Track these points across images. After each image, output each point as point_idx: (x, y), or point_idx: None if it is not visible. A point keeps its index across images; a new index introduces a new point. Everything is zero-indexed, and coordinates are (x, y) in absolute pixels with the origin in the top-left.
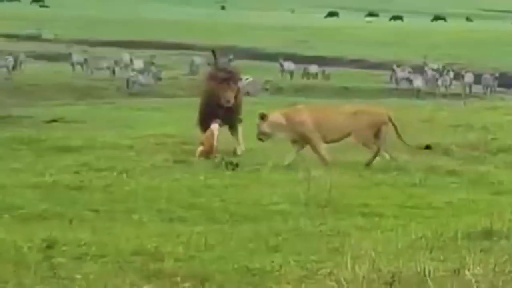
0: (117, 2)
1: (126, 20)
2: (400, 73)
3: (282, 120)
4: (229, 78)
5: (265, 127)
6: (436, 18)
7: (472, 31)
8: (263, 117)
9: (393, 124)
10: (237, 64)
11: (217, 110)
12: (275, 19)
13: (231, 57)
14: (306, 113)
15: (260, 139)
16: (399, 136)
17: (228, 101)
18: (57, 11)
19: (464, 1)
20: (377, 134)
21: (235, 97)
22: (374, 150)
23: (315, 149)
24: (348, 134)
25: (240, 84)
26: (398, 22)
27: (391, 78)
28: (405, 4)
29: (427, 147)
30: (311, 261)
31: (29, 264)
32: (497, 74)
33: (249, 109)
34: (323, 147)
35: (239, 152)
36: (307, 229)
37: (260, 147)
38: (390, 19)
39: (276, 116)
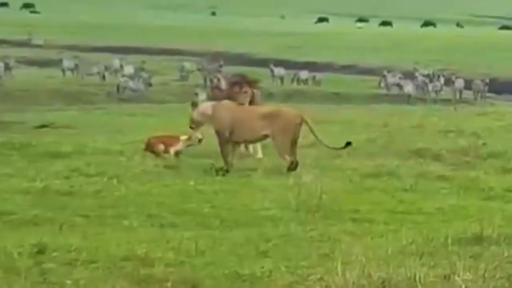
0: (108, 8)
1: (116, 25)
2: (390, 79)
3: (209, 111)
4: (241, 81)
5: (195, 115)
6: (426, 23)
7: (462, 36)
8: (193, 105)
9: (309, 126)
10: (228, 70)
11: None
12: (265, 25)
13: (221, 63)
14: (228, 110)
15: (191, 128)
16: (316, 137)
17: (242, 104)
18: (47, 17)
19: (454, 7)
20: (294, 141)
21: (251, 102)
22: (287, 161)
23: (220, 149)
24: (264, 136)
25: (256, 91)
26: (388, 28)
27: (379, 84)
28: (395, 10)
29: (348, 143)
30: (302, 267)
31: (19, 269)
32: (487, 80)
33: None
34: (227, 150)
35: (260, 155)
36: (297, 235)
37: (251, 153)
38: (380, 25)
39: (205, 106)
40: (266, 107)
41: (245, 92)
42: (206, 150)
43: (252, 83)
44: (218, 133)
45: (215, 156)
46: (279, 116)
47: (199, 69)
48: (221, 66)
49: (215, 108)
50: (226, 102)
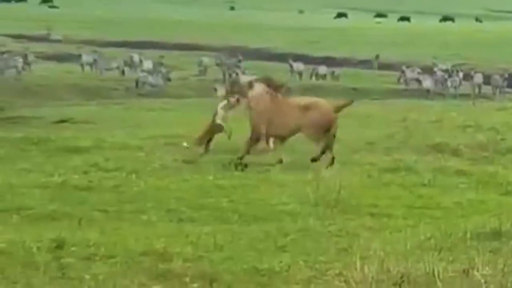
0: (127, 3)
1: (135, 20)
2: (409, 74)
3: (248, 99)
4: (268, 85)
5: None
6: (445, 18)
7: (481, 31)
8: (250, 85)
9: (343, 105)
10: (246, 64)
11: None
12: (284, 20)
13: (240, 57)
14: (267, 104)
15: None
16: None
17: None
18: (66, 12)
19: (472, 2)
20: (332, 135)
21: None
22: (321, 146)
23: (247, 140)
24: (298, 130)
25: (280, 95)
26: (406, 23)
27: (399, 79)
28: (413, 5)
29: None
30: (320, 262)
31: (38, 264)
32: (506, 75)
33: None
34: (252, 144)
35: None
36: (316, 230)
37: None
38: (398, 20)
39: (260, 88)
40: (302, 99)
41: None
42: (225, 145)
43: (277, 87)
44: (253, 127)
45: (234, 151)
46: (315, 109)
47: (217, 64)
48: (240, 61)
49: (256, 99)
50: (265, 95)
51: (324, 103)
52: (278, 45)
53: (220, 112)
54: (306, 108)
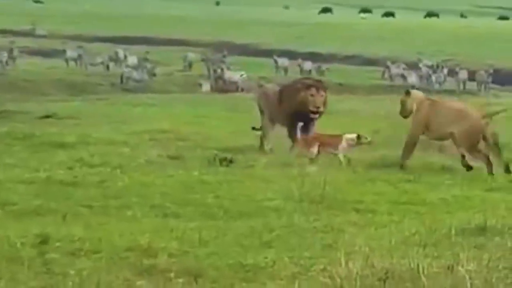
0: None
1: (120, 15)
2: (394, 70)
3: (414, 105)
4: (318, 85)
5: (409, 104)
6: (429, 14)
7: (466, 27)
8: (407, 93)
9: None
10: (231, 60)
11: (304, 117)
12: (269, 15)
13: (225, 53)
14: (427, 107)
15: (405, 116)
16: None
17: (318, 107)
18: (51, 7)
19: None
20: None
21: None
22: (479, 155)
23: (406, 141)
24: (449, 136)
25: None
26: (391, 18)
27: (383, 75)
28: (397, 1)
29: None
30: (305, 257)
31: (22, 259)
32: (491, 71)
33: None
34: (410, 147)
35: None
36: (301, 225)
37: (254, 144)
38: (382, 16)
39: (417, 94)
40: (454, 105)
41: (322, 96)
42: (209, 140)
43: (324, 87)
44: (411, 132)
45: (219, 147)
46: (465, 117)
47: (203, 60)
48: (224, 56)
49: (419, 103)
50: (424, 100)
51: (474, 111)
52: (263, 40)
53: (344, 146)
54: (458, 115)
